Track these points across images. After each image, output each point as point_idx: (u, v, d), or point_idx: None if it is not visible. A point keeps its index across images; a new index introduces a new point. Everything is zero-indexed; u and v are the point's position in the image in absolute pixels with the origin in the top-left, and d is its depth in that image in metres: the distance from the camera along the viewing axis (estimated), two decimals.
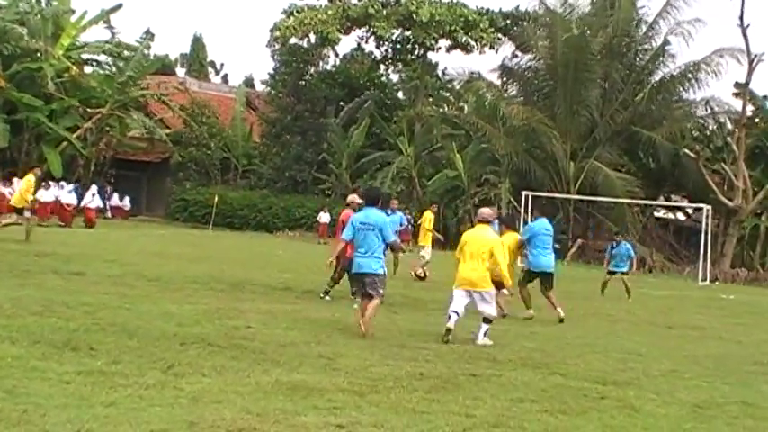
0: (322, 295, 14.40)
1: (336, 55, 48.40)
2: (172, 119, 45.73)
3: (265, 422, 5.99)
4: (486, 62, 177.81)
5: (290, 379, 7.46)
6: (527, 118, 37.69)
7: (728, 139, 39.22)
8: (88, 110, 41.42)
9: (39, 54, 40.80)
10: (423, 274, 20.04)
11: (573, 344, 11.50)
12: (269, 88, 48.15)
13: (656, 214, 43.47)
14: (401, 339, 10.43)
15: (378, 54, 47.27)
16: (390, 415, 6.55)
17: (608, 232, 37.35)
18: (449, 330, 10.54)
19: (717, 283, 31.86)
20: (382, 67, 49.20)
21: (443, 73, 49.33)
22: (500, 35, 44.10)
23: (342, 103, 46.11)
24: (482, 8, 44.24)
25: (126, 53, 43.52)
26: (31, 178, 22.65)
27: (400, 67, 49.75)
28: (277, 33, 42.88)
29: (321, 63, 48.07)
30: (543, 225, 14.98)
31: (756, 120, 41.46)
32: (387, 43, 45.87)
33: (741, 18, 36.82)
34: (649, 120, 39.11)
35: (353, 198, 14.47)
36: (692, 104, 40.63)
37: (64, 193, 33.32)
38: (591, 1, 41.02)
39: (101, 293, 12.24)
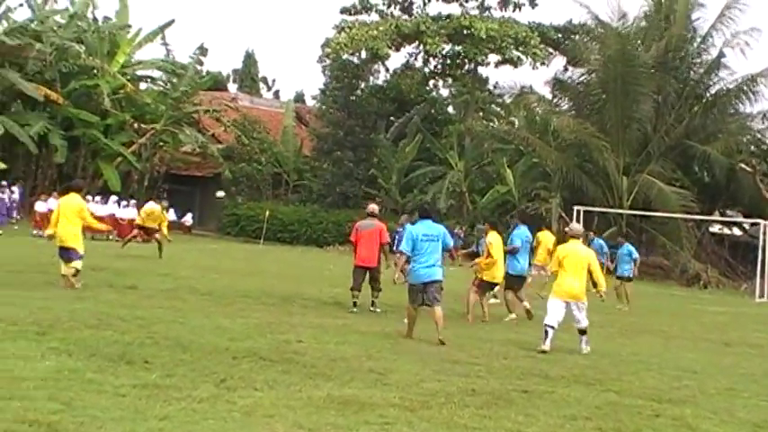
0: (371, 308, 14.73)
1: (387, 70, 48.74)
2: (224, 134, 46.26)
3: None
4: (536, 76, 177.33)
5: (341, 394, 7.45)
6: (578, 131, 37.41)
7: None
8: (142, 126, 42.19)
9: (95, 71, 41.72)
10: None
11: (627, 360, 11.35)
12: (320, 103, 48.42)
13: (711, 229, 42.65)
14: (453, 354, 10.39)
15: (428, 69, 47.41)
16: (442, 431, 6.52)
17: (662, 248, 36.91)
18: (544, 352, 11.16)
19: None
20: (432, 81, 49.34)
21: (494, 87, 49.18)
22: (551, 49, 43.98)
23: (392, 118, 46.29)
24: (533, 23, 44.08)
25: (180, 70, 44.18)
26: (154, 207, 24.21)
27: (450, 81, 49.82)
28: (328, 49, 43.16)
29: (372, 78, 48.34)
30: (526, 233, 15.85)
31: None
32: (437, 58, 45.98)
33: None
34: (704, 133, 38.51)
35: (374, 208, 15.63)
36: (748, 117, 39.95)
37: (118, 208, 33.79)
38: (645, 13, 40.67)
39: (155, 307, 12.38)
